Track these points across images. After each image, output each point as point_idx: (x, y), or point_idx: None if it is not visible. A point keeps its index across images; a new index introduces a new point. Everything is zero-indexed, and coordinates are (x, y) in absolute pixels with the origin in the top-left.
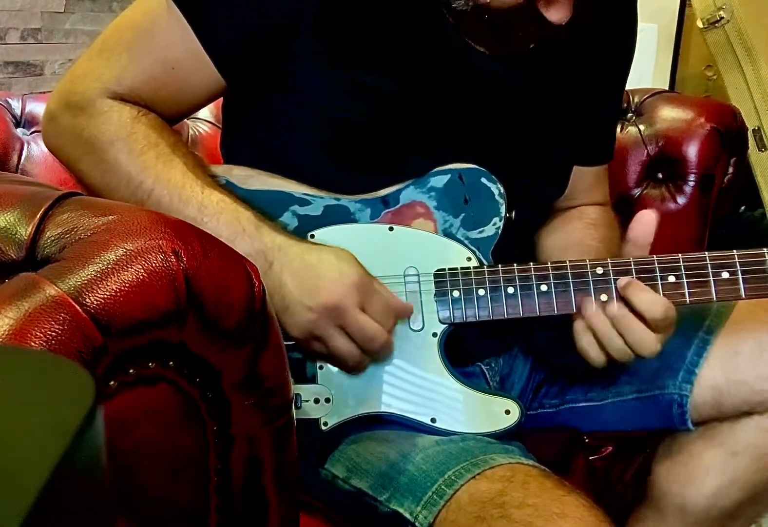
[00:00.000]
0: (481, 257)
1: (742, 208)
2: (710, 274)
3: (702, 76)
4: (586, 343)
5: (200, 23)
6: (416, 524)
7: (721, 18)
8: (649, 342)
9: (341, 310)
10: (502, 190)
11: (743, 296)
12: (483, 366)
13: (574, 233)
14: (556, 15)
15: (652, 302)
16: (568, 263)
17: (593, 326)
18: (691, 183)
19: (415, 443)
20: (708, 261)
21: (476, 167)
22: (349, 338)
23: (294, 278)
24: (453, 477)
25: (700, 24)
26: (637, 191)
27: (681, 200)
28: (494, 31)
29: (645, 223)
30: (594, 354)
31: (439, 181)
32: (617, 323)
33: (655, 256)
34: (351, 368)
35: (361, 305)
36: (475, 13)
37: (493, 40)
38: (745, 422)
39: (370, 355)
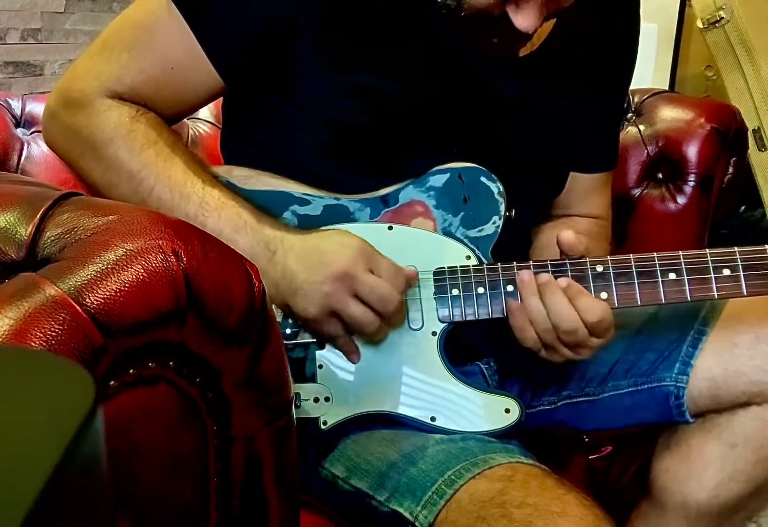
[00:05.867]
0: (481, 256)
1: (742, 208)
2: (711, 271)
3: (702, 76)
4: (519, 321)
5: (199, 24)
6: (416, 524)
7: (721, 18)
8: (568, 311)
9: (351, 275)
10: (501, 188)
11: (745, 293)
12: (482, 365)
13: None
14: (524, 22)
15: (590, 305)
16: (567, 261)
17: (519, 289)
18: (691, 183)
19: (415, 443)
20: (709, 258)
21: (475, 165)
22: (364, 305)
23: (298, 260)
24: (453, 477)
25: (700, 24)
26: (637, 191)
27: (681, 200)
28: (474, 33)
29: (568, 240)
30: (528, 333)
31: (438, 180)
32: (541, 287)
33: (655, 253)
34: (370, 335)
35: (369, 268)
36: (458, 13)
37: (479, 42)
38: (743, 413)
39: (387, 319)
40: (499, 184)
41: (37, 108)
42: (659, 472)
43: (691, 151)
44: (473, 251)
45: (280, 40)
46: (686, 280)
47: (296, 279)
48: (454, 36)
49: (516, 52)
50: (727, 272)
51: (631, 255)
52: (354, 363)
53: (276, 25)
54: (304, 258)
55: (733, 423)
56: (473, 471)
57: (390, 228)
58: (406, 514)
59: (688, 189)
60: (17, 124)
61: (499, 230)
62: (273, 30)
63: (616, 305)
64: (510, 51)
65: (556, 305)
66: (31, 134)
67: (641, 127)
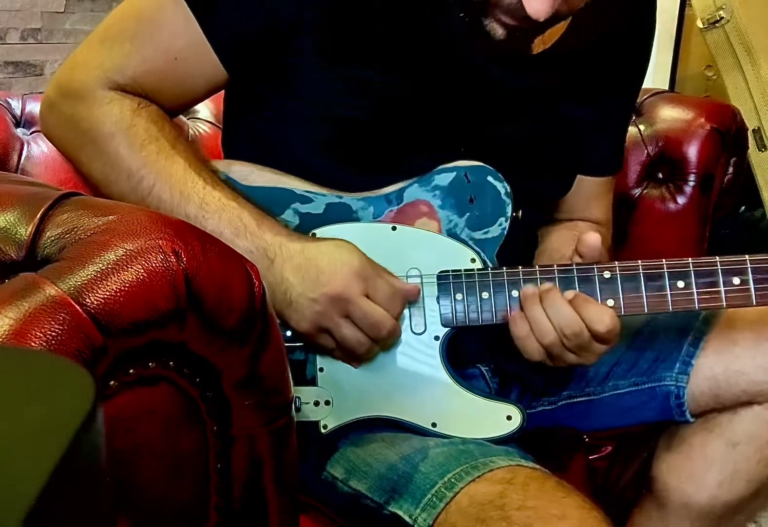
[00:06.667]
0: (486, 259)
1: (742, 208)
2: (721, 281)
3: (702, 76)
4: (522, 331)
5: (204, 14)
6: (415, 526)
7: (721, 18)
8: (572, 319)
9: (345, 299)
10: (508, 189)
11: (754, 303)
12: (482, 368)
13: (557, 241)
14: (536, 6)
15: (599, 313)
16: (574, 267)
17: (522, 302)
18: (691, 183)
19: (415, 445)
20: (719, 267)
21: (482, 164)
22: (356, 327)
23: (296, 273)
24: (453, 480)
25: (700, 24)
26: (637, 191)
27: (681, 200)
28: (477, 28)
29: (592, 244)
30: (531, 344)
31: (444, 179)
32: (543, 295)
33: (664, 260)
34: (360, 356)
35: (365, 292)
36: (461, 6)
37: (481, 38)
38: (744, 412)
39: (379, 342)
40: (506, 184)
41: (37, 108)
42: (660, 471)
43: (691, 151)
44: (478, 254)
45: (284, 32)
46: (695, 289)
47: (291, 291)
48: (457, 31)
49: (528, 49)
50: (736, 281)
51: (639, 262)
52: (355, 368)
53: (281, 17)
54: (301, 271)
55: (734, 422)
56: (473, 473)
57: (394, 229)
58: (405, 517)
59: (688, 189)
60: (17, 124)
61: (505, 233)
62: (278, 22)
63: (623, 312)
64: (519, 46)
65: (556, 309)
66: (31, 133)
67: (641, 127)
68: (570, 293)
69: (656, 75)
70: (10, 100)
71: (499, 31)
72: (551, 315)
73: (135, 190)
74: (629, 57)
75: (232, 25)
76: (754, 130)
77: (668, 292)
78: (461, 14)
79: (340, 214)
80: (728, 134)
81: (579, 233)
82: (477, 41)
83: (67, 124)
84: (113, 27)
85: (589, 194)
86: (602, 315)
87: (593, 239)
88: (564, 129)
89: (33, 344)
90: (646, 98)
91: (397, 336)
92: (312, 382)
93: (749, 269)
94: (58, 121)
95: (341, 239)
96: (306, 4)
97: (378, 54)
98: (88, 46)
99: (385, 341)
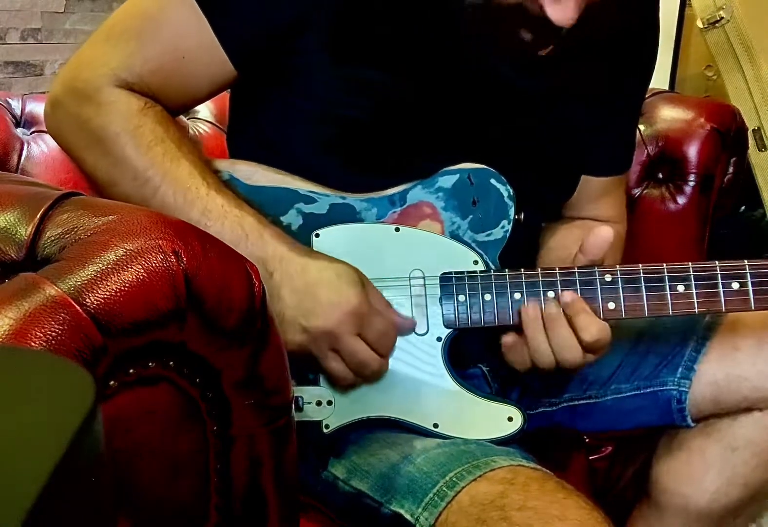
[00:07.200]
0: (488, 261)
1: (742, 208)
2: (720, 284)
3: (702, 76)
4: (513, 342)
5: (215, 14)
6: (417, 526)
7: (721, 18)
8: (572, 347)
9: (336, 336)
10: (511, 192)
11: (752, 307)
12: (484, 368)
13: (567, 238)
14: (561, 14)
15: (588, 323)
16: (576, 270)
17: (525, 325)
18: (691, 183)
19: (416, 444)
20: (719, 271)
21: (486, 167)
22: (341, 361)
23: (292, 295)
24: (454, 479)
25: (700, 24)
26: (637, 191)
27: (681, 200)
28: (500, 31)
29: (601, 238)
30: (519, 357)
31: (447, 181)
32: (548, 323)
33: (665, 264)
34: (343, 386)
35: (358, 331)
36: (484, 10)
37: (502, 41)
38: (744, 418)
39: (362, 378)
40: (509, 187)
41: (37, 108)
42: (660, 474)
43: (691, 151)
44: (481, 256)
45: (290, 31)
46: (694, 293)
47: (285, 313)
48: (475, 34)
49: (546, 51)
50: (736, 285)
51: (640, 266)
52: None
53: (288, 16)
54: (299, 295)
55: (734, 427)
56: (474, 473)
57: (397, 230)
58: (407, 516)
59: (688, 189)
60: (17, 124)
61: (507, 235)
62: (285, 22)
63: (624, 315)
64: (539, 49)
65: (559, 339)
66: (31, 133)
67: (641, 127)
68: (568, 295)
69: (656, 75)
70: (10, 100)
71: (524, 37)
72: (552, 339)
73: (139, 192)
74: (634, 58)
75: (244, 26)
76: (754, 130)
77: (668, 296)
78: (482, 24)
79: (343, 214)
80: (728, 134)
81: (585, 231)
82: (494, 45)
83: (72, 123)
84: (117, 26)
85: (597, 191)
86: (591, 326)
87: (601, 239)
88: (566, 130)
89: (33, 344)
90: (646, 98)
91: (383, 374)
92: (314, 382)
93: (748, 273)
94: (64, 120)
95: (343, 265)
96: (312, 4)
97: (379, 54)
98: (93, 46)
99: (370, 378)
